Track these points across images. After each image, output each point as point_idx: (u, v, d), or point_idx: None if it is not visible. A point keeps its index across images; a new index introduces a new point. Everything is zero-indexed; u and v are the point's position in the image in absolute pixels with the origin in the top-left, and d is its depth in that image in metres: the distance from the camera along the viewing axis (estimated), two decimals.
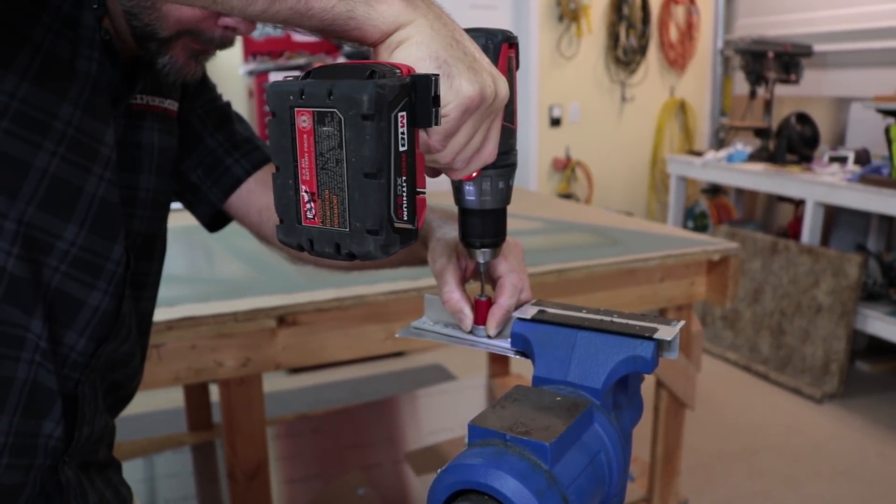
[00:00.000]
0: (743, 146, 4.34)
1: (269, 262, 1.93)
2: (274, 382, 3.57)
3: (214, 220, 1.01)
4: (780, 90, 4.34)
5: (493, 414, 0.57)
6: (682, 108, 5.27)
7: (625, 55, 4.92)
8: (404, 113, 0.50)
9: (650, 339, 0.62)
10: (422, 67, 0.52)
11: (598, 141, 5.02)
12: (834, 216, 4.07)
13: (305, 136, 0.50)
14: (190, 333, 1.47)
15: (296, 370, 3.71)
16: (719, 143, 5.19)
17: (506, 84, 0.57)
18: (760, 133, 4.32)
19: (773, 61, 4.08)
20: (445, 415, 3.16)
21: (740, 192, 4.93)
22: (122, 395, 0.92)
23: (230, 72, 4.39)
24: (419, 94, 0.51)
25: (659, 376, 2.16)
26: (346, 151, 0.49)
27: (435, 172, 0.61)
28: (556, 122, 4.86)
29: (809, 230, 3.67)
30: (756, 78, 4.18)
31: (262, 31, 3.79)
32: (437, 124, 0.52)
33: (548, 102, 4.81)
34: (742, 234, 3.97)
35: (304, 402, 3.42)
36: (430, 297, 0.77)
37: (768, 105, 4.26)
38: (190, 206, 1.00)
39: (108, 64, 0.75)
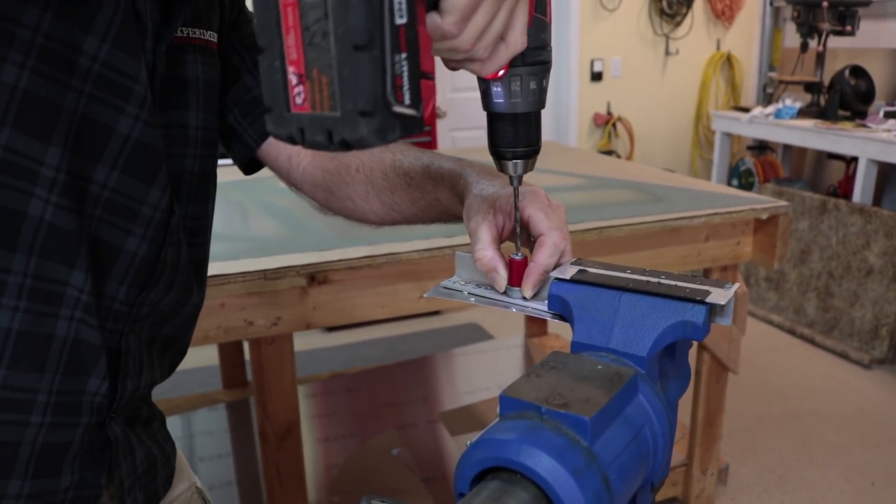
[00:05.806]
0: (792, 101, 4.19)
1: (302, 219, 1.90)
2: (310, 340, 3.58)
3: (250, 162, 0.98)
4: (834, 42, 4.15)
5: (528, 384, 0.51)
6: (729, 61, 5.09)
7: (669, 7, 4.76)
8: None
9: (702, 302, 0.56)
10: None
11: (640, 96, 4.89)
12: (888, 175, 3.92)
13: (290, 8, 0.45)
14: (218, 291, 1.45)
15: (332, 328, 3.71)
16: (767, 99, 5.02)
17: None
18: (811, 88, 4.16)
19: (828, 12, 3.90)
20: (481, 374, 3.14)
21: (788, 150, 4.78)
22: (179, 349, 0.90)
23: None
24: None
25: None
26: (332, 22, 0.44)
27: (457, 65, 0.56)
28: (597, 77, 4.73)
29: (861, 189, 3.54)
30: (808, 30, 4.02)
31: None
32: None
33: (589, 56, 4.68)
34: (790, 192, 3.85)
35: (339, 360, 3.43)
36: (462, 255, 0.72)
37: (820, 58, 4.09)
38: (227, 147, 0.97)
39: None
